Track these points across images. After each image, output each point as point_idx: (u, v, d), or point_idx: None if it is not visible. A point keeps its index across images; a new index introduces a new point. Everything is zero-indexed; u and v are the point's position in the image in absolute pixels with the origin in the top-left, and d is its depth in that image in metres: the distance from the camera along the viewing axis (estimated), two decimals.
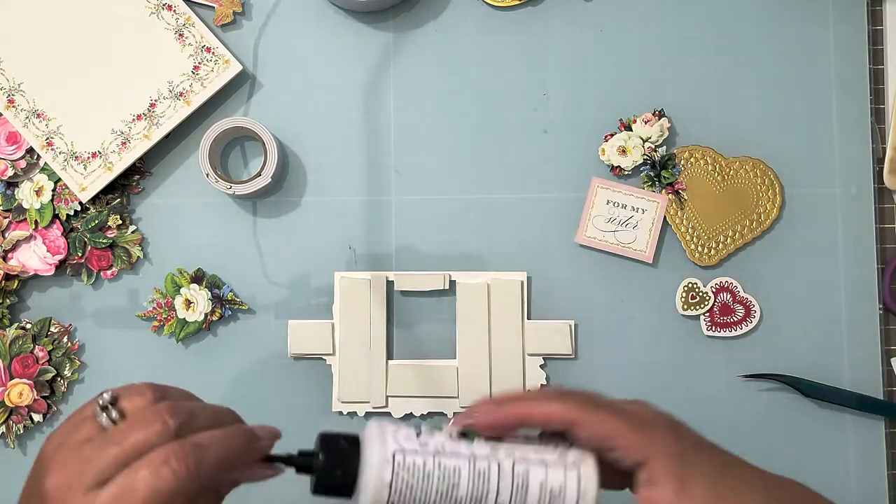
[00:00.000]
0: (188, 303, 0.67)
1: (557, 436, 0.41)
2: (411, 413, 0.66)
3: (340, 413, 0.66)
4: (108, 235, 0.67)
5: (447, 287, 0.66)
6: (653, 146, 0.66)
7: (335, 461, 0.39)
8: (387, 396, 0.66)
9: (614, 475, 0.41)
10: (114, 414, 0.37)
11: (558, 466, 0.40)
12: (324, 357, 0.66)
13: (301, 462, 0.40)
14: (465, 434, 0.41)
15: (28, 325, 0.67)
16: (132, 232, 0.68)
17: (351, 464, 0.39)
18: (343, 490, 0.39)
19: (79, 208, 0.67)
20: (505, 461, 0.40)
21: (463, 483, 0.39)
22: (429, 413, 0.66)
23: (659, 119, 0.66)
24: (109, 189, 0.67)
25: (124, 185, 0.68)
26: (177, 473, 0.35)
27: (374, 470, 0.38)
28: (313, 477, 0.39)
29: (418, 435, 0.40)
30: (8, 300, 0.67)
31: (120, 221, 0.67)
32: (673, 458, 0.39)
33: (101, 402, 0.37)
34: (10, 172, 0.67)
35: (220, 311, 0.67)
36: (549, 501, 0.39)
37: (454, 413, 0.41)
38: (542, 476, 0.39)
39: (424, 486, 0.38)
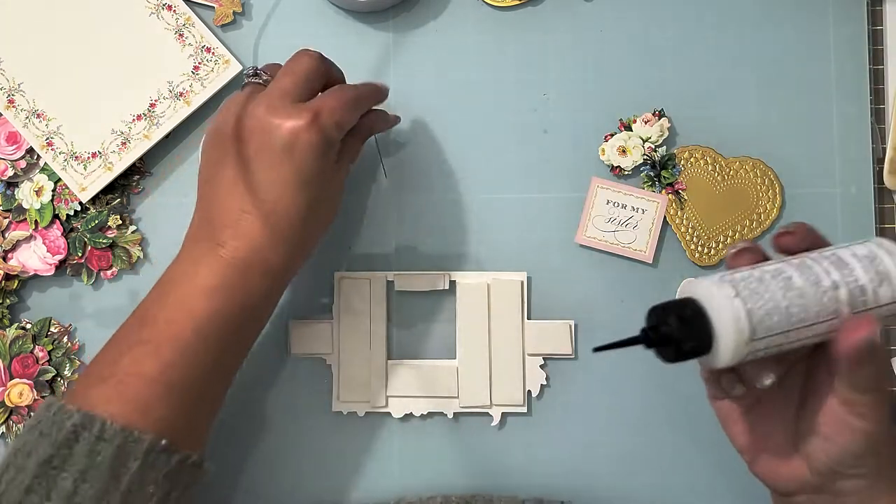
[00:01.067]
0: None
1: None
2: (411, 413, 0.66)
3: (340, 413, 0.66)
4: (108, 235, 0.67)
5: (447, 287, 0.66)
6: (653, 146, 0.66)
7: (687, 321, 0.43)
8: (387, 396, 0.66)
9: None
10: (263, 76, 0.44)
11: (872, 250, 0.45)
12: (324, 357, 0.66)
13: (653, 337, 0.43)
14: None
15: (28, 325, 0.67)
16: (132, 232, 0.68)
17: (702, 317, 0.43)
18: (702, 346, 0.43)
19: (79, 208, 0.67)
20: (823, 252, 0.45)
21: (793, 276, 0.43)
22: (429, 413, 0.66)
23: (659, 119, 0.66)
24: (109, 189, 0.67)
25: (124, 185, 0.68)
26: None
27: (723, 302, 0.42)
28: (669, 348, 0.43)
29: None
30: (8, 300, 0.67)
31: (120, 221, 0.67)
32: None
33: (246, 72, 0.53)
34: (10, 172, 0.67)
35: None
36: (877, 274, 0.43)
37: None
38: (862, 253, 0.44)
39: (763, 289, 0.42)
